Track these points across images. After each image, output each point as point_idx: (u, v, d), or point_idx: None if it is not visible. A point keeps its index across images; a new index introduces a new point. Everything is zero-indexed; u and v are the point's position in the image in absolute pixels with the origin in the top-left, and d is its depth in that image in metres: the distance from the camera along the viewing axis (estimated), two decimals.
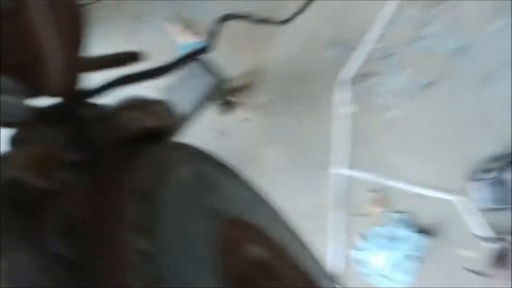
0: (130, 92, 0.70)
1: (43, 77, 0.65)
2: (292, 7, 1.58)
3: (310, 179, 1.77)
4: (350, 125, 1.73)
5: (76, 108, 0.70)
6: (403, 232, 1.68)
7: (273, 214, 0.88)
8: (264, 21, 1.35)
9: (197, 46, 1.74)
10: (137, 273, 0.48)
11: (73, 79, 0.68)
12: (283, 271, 0.79)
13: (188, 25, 1.87)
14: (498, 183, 1.54)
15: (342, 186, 1.73)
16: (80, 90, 0.70)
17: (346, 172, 1.73)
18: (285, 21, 1.52)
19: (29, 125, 0.67)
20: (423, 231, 1.68)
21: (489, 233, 1.60)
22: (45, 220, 0.63)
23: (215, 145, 1.79)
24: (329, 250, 1.74)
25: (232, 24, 1.84)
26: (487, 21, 1.62)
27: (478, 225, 1.61)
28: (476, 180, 1.59)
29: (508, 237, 1.49)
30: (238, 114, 1.82)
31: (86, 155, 0.66)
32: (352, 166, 1.73)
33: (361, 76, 1.72)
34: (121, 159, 0.63)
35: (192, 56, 0.93)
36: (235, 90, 1.81)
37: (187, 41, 1.83)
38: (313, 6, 1.60)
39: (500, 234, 1.56)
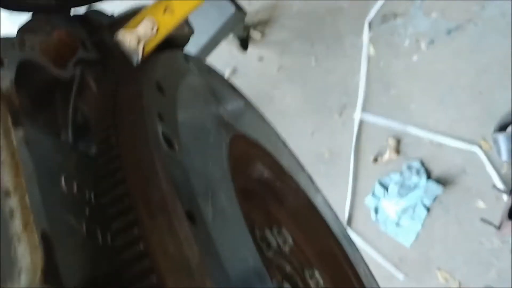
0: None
1: None
2: None
3: (329, 123, 1.72)
4: (372, 68, 1.67)
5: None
6: (416, 179, 1.64)
7: (281, 142, 0.88)
8: None
9: None
10: (159, 151, 0.48)
11: None
12: (286, 194, 0.77)
13: None
14: None
15: (362, 131, 1.68)
16: None
17: (366, 117, 1.67)
18: None
19: (45, 15, 0.65)
20: (437, 180, 1.63)
21: (508, 185, 1.55)
22: (58, 111, 0.60)
23: None
24: (347, 195, 1.70)
25: None
26: None
27: (498, 177, 1.56)
28: (501, 131, 1.53)
29: None
30: (255, 51, 1.76)
31: (99, 55, 0.66)
32: (372, 111, 1.67)
33: (386, 17, 1.65)
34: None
35: None
36: (254, 25, 1.75)
37: None
38: None
39: None
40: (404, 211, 1.65)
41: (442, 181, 1.62)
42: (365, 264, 0.84)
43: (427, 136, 1.63)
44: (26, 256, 0.35)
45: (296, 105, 1.73)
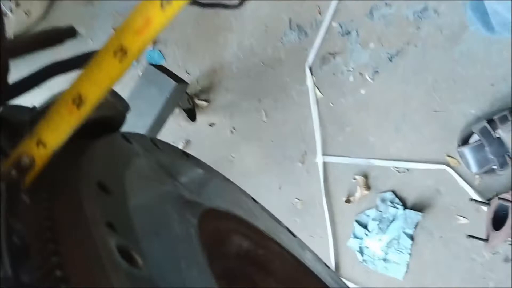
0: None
1: None
2: None
3: (294, 173, 1.69)
4: (323, 110, 1.65)
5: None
6: (393, 211, 1.60)
7: (251, 201, 0.81)
8: (218, 5, 1.26)
9: (150, 55, 1.65)
10: (117, 273, 0.40)
11: None
12: (270, 261, 0.72)
13: None
14: (487, 143, 1.47)
15: (328, 175, 1.65)
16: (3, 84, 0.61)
17: (328, 159, 1.65)
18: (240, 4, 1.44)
19: None
20: (414, 206, 1.60)
21: (485, 196, 1.53)
22: None
23: None
24: (329, 242, 1.65)
25: (181, 28, 1.77)
26: None
27: (473, 190, 1.54)
28: (464, 144, 1.52)
29: (507, 195, 1.42)
30: (204, 119, 1.73)
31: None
32: (333, 152, 1.65)
33: (325, 58, 1.65)
34: (68, 157, 0.54)
35: None
36: (197, 94, 1.72)
37: None
38: None
39: (498, 194, 1.49)
40: (389, 245, 1.61)
41: (419, 207, 1.60)
42: None
43: (392, 165, 1.61)
44: None
45: (257, 163, 1.70)
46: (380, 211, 1.62)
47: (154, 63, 1.59)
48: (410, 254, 1.60)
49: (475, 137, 1.52)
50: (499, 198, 1.42)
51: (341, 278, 1.63)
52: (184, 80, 1.58)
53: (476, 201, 1.52)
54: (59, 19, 1.91)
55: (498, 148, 1.48)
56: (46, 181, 0.50)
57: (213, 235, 0.63)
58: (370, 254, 1.64)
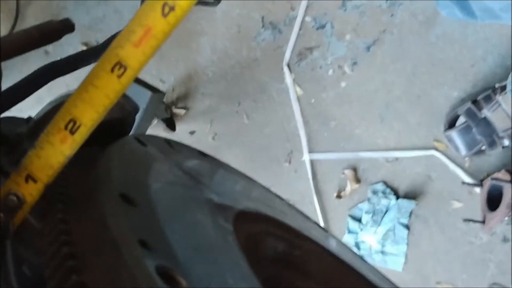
0: None
1: None
2: None
3: (281, 174, 1.65)
4: (304, 107, 1.62)
5: None
6: (385, 202, 1.58)
7: (275, 197, 0.76)
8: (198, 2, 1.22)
9: None
10: None
11: None
12: (308, 262, 0.67)
13: None
14: (474, 124, 1.46)
15: (316, 172, 1.62)
16: None
17: (315, 156, 1.61)
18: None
19: None
20: (406, 195, 1.58)
21: (476, 178, 1.51)
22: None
23: None
24: None
25: None
26: None
27: (464, 173, 1.52)
28: (451, 127, 1.50)
29: (499, 175, 1.41)
30: (184, 127, 1.68)
31: None
32: (319, 149, 1.62)
33: (302, 54, 1.62)
34: (79, 169, 0.48)
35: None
36: (174, 102, 1.67)
37: None
38: None
39: (489, 175, 1.48)
40: (385, 237, 1.58)
41: (412, 195, 1.57)
42: None
43: (381, 156, 1.58)
44: None
45: (243, 167, 1.64)
46: (373, 203, 1.59)
47: None
48: (407, 244, 1.57)
49: (461, 120, 1.50)
50: (492, 179, 1.40)
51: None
52: (159, 90, 1.53)
53: (469, 183, 1.51)
54: None
55: (485, 128, 1.46)
56: (58, 197, 0.44)
57: (247, 240, 0.57)
58: (367, 248, 1.60)
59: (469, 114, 1.47)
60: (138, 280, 0.33)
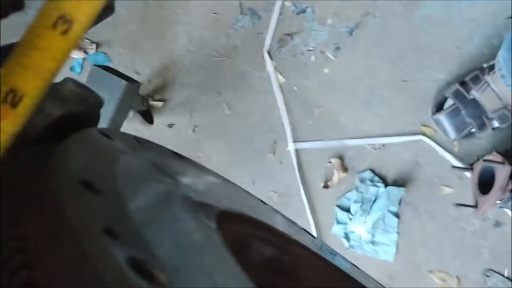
0: None
1: None
2: None
3: (266, 165, 1.58)
4: (287, 95, 1.56)
5: None
6: (374, 190, 1.53)
7: (255, 200, 0.69)
8: None
9: (95, 58, 1.51)
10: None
11: None
12: (298, 267, 0.61)
13: None
14: (463, 106, 1.42)
15: (302, 162, 1.56)
16: None
17: (300, 146, 1.55)
18: None
19: None
20: (395, 183, 1.53)
21: (466, 162, 1.47)
22: None
23: None
24: (312, 232, 1.55)
25: (125, 27, 1.64)
26: None
27: (453, 157, 1.48)
28: (439, 111, 1.46)
29: (491, 157, 1.36)
30: (162, 120, 1.61)
31: None
32: (304, 138, 1.56)
33: (283, 40, 1.56)
34: (30, 164, 0.41)
35: None
36: (150, 94, 1.60)
37: (81, 56, 1.61)
38: None
39: (479, 158, 1.44)
40: (375, 226, 1.53)
41: (401, 182, 1.53)
42: None
43: (367, 143, 1.53)
44: None
45: (226, 160, 1.59)
46: (361, 192, 1.53)
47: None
48: (397, 232, 1.53)
49: (449, 102, 1.46)
50: (484, 160, 1.36)
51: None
52: (135, 80, 1.46)
53: (459, 168, 1.46)
54: None
55: (475, 110, 1.42)
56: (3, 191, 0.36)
57: (233, 242, 0.49)
58: (357, 238, 1.55)
59: (457, 96, 1.43)
60: (104, 274, 0.27)
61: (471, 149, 1.48)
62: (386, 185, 1.52)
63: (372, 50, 1.53)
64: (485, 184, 1.38)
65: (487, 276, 1.48)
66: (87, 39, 1.63)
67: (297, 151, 1.56)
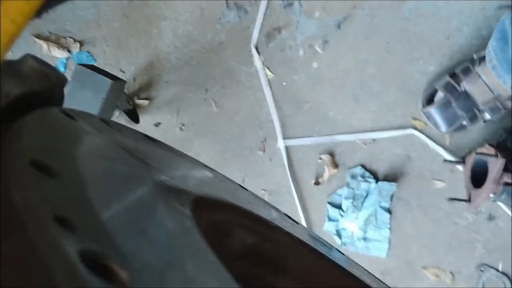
0: None
1: None
2: None
3: (256, 163, 1.56)
4: (276, 91, 1.53)
5: None
6: (365, 186, 1.50)
7: (235, 185, 0.66)
8: None
9: (78, 57, 1.47)
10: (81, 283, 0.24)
11: None
12: (283, 256, 0.58)
13: (57, 40, 1.60)
14: (454, 98, 1.39)
15: (292, 159, 1.53)
16: None
17: (290, 142, 1.53)
18: None
19: None
20: (386, 178, 1.51)
21: (458, 155, 1.45)
22: None
23: None
24: None
25: (108, 24, 1.61)
26: None
27: (445, 151, 1.46)
28: (429, 104, 1.44)
29: (483, 149, 1.34)
30: (148, 119, 1.58)
31: None
32: (293, 134, 1.53)
33: (270, 34, 1.53)
34: None
35: None
36: (136, 93, 1.57)
37: (65, 55, 1.58)
38: None
39: (471, 151, 1.42)
40: (367, 222, 1.51)
41: (392, 177, 1.50)
42: None
43: (357, 138, 1.51)
44: None
45: (215, 158, 1.56)
46: (352, 188, 1.51)
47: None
48: (389, 228, 1.50)
49: (439, 95, 1.44)
50: (477, 153, 1.34)
51: None
52: (120, 78, 1.43)
53: (450, 161, 1.44)
54: None
55: (466, 102, 1.40)
56: None
57: (210, 231, 0.46)
58: (348, 235, 1.53)
59: (448, 88, 1.41)
60: (51, 270, 0.23)
61: (462, 142, 1.46)
62: (377, 180, 1.50)
63: (360, 43, 1.50)
64: (477, 177, 1.36)
65: (481, 270, 1.46)
66: (70, 37, 1.59)
67: (287, 148, 1.53)
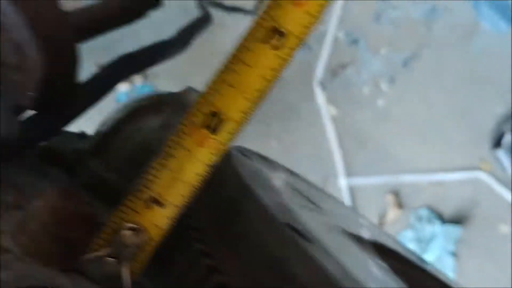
0: None
1: None
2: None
3: None
4: (339, 128, 1.50)
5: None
6: (430, 228, 1.46)
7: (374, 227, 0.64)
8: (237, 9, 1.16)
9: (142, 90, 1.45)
10: None
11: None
12: None
13: None
14: None
15: (355, 198, 1.49)
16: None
17: (353, 181, 1.49)
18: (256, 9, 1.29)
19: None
20: (452, 220, 1.47)
21: None
22: None
23: None
24: None
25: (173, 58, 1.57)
26: None
27: None
28: (497, 146, 1.41)
29: None
30: None
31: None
32: (357, 173, 1.49)
33: (335, 71, 1.50)
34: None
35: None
36: None
37: (127, 87, 1.54)
38: None
39: None
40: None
41: (458, 220, 1.46)
42: None
43: (424, 179, 1.47)
44: None
45: None
46: (417, 230, 1.47)
47: None
48: (455, 273, 1.46)
49: (507, 137, 1.41)
50: None
51: None
52: None
53: None
54: None
55: None
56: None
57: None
58: None
59: None
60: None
61: None
62: (443, 223, 1.46)
63: (427, 81, 1.47)
64: None
65: None
66: None
67: (349, 187, 1.49)
